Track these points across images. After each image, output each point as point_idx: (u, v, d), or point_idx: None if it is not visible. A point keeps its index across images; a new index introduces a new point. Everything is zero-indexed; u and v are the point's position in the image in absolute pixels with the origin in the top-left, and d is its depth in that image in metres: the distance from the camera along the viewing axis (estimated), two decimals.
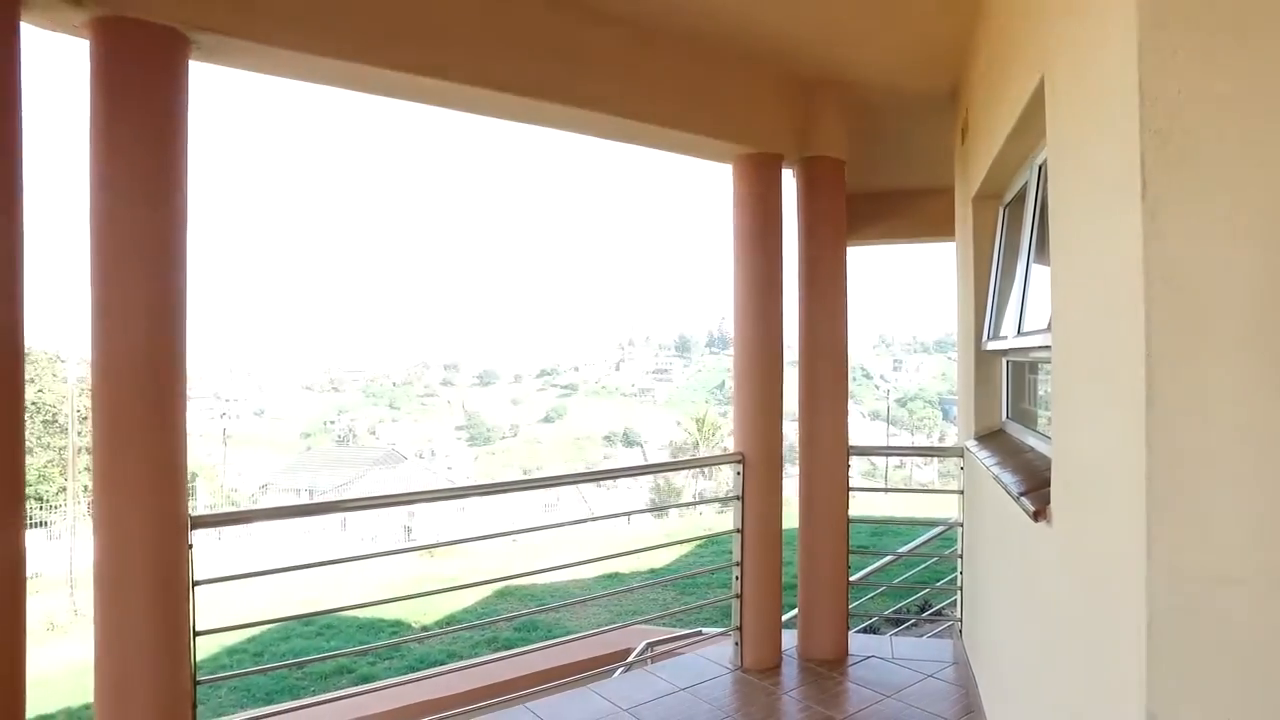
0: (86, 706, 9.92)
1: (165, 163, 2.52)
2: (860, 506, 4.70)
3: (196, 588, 2.72)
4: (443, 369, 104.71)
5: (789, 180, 4.51)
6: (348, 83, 3.10)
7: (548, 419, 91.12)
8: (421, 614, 12.46)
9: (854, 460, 4.64)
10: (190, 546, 2.70)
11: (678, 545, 15.62)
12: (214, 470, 39.79)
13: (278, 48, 2.71)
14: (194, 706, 2.74)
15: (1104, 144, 1.64)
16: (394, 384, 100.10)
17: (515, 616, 4.70)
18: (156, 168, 2.50)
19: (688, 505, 28.54)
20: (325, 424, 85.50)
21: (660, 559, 15.27)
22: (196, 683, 2.74)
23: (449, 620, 12.04)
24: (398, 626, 12.12)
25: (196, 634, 2.73)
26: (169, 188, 2.53)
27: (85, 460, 24.60)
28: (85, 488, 24.62)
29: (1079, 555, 1.91)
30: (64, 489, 23.18)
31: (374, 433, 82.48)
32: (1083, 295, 1.87)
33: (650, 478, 43.53)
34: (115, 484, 2.54)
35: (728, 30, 3.78)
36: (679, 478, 42.16)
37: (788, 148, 4.32)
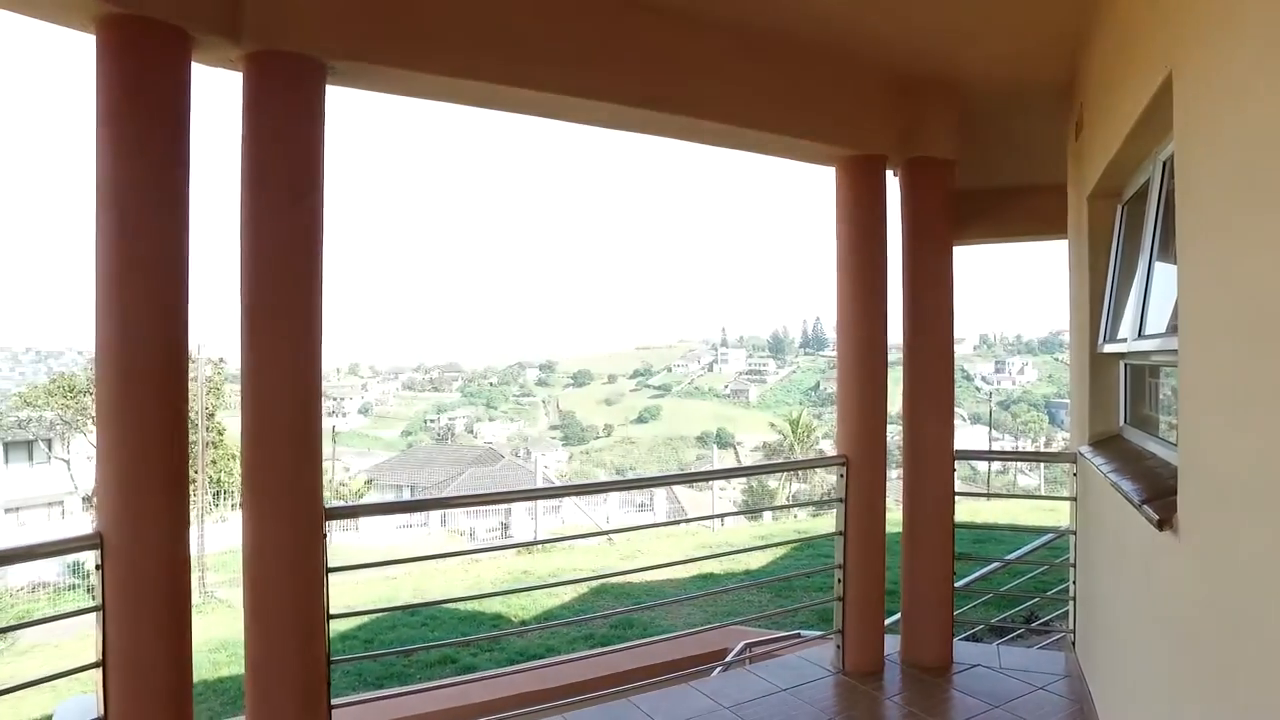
0: (220, 680, 10.62)
1: (305, 178, 2.73)
2: (962, 512, 4.58)
3: (330, 574, 2.92)
4: (538, 369, 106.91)
5: (894, 180, 4.46)
6: (471, 100, 3.28)
7: (641, 419, 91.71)
8: (520, 609, 12.79)
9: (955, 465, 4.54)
10: (325, 536, 2.90)
11: (773, 548, 15.51)
12: (324, 466, 41.68)
13: (408, 71, 2.90)
14: (328, 684, 2.94)
15: (1240, 142, 1.60)
16: (491, 384, 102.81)
17: (611, 614, 4.81)
18: (298, 182, 2.71)
19: (786, 508, 28.27)
20: (425, 422, 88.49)
21: (755, 561, 15.20)
22: (330, 662, 2.94)
23: (546, 617, 12.33)
24: (497, 620, 12.48)
25: (330, 617, 2.94)
26: (309, 200, 2.74)
27: (210, 454, 26.25)
28: (210, 479, 26.28)
29: (1212, 566, 1.86)
30: (193, 480, 24.79)
31: (471, 431, 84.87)
32: (1215, 298, 1.82)
33: (744, 479, 43.27)
34: (262, 478, 2.76)
35: (831, 34, 3.77)
36: (772, 480, 41.79)
37: (892, 149, 4.28)
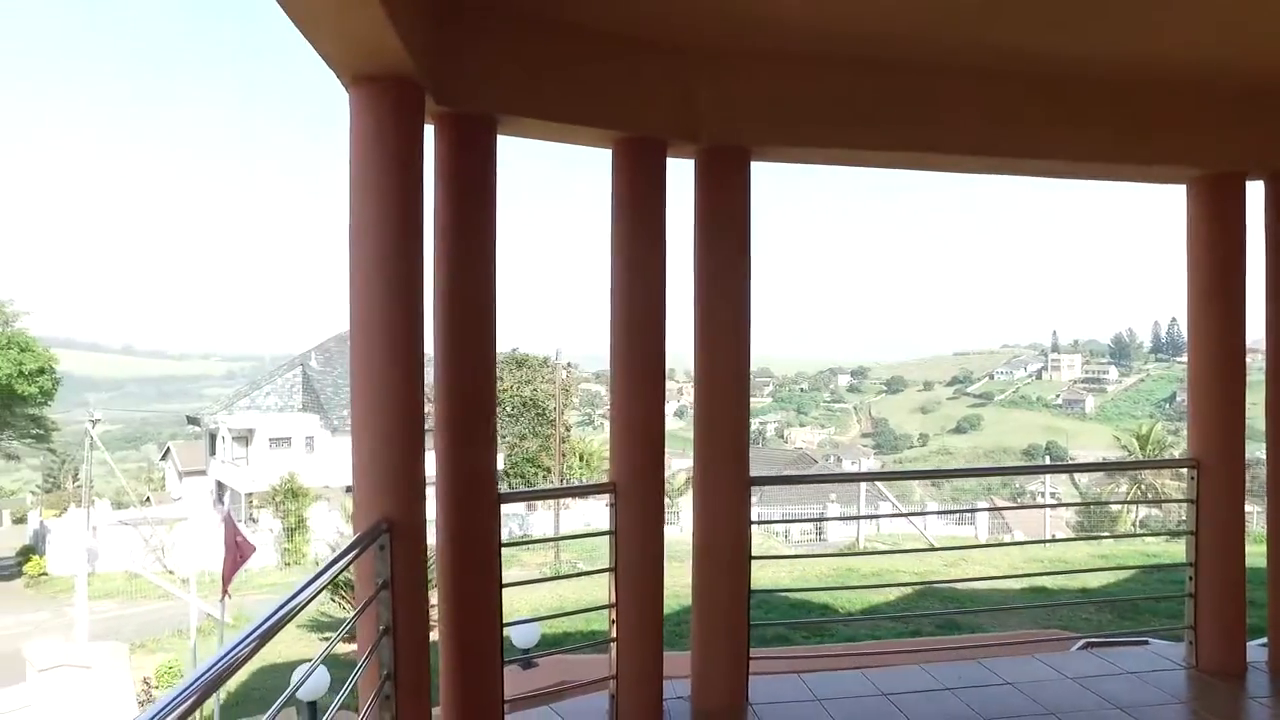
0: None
1: (741, 238, 3.82)
2: None
3: (752, 526, 3.96)
4: (850, 376, 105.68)
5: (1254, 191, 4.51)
6: (851, 162, 4.19)
7: (959, 429, 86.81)
8: (847, 602, 13.46)
9: None
10: (749, 499, 3.93)
11: (1115, 569, 14.61)
12: None
13: (813, 147, 3.89)
14: (748, 617, 3.95)
15: None
16: (802, 390, 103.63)
17: (968, 580, 5.37)
18: (740, 240, 3.82)
19: (1128, 503, 25.64)
20: None
21: (1094, 581, 14.41)
22: (750, 593, 3.96)
23: (871, 612, 12.84)
24: (824, 611, 13.28)
25: (751, 559, 3.95)
26: (743, 262, 3.84)
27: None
28: (559, 470, 30.21)
29: None
30: (548, 469, 28.71)
31: (782, 436, 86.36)
32: None
33: (1079, 493, 39.49)
34: (710, 452, 3.89)
35: (1181, 64, 3.98)
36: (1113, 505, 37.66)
37: (1250, 162, 4.33)
